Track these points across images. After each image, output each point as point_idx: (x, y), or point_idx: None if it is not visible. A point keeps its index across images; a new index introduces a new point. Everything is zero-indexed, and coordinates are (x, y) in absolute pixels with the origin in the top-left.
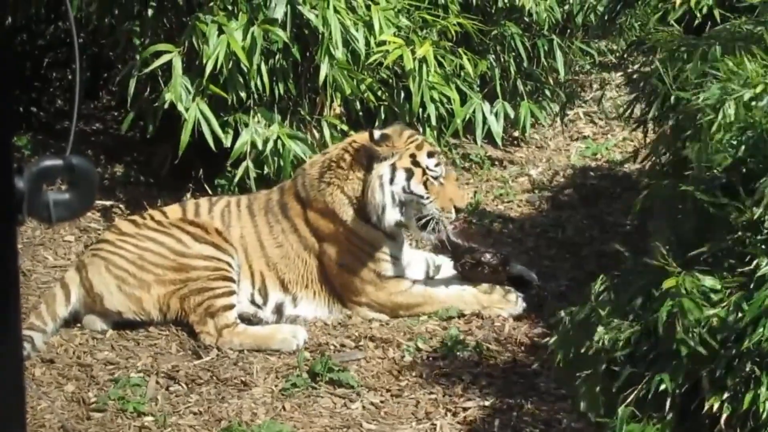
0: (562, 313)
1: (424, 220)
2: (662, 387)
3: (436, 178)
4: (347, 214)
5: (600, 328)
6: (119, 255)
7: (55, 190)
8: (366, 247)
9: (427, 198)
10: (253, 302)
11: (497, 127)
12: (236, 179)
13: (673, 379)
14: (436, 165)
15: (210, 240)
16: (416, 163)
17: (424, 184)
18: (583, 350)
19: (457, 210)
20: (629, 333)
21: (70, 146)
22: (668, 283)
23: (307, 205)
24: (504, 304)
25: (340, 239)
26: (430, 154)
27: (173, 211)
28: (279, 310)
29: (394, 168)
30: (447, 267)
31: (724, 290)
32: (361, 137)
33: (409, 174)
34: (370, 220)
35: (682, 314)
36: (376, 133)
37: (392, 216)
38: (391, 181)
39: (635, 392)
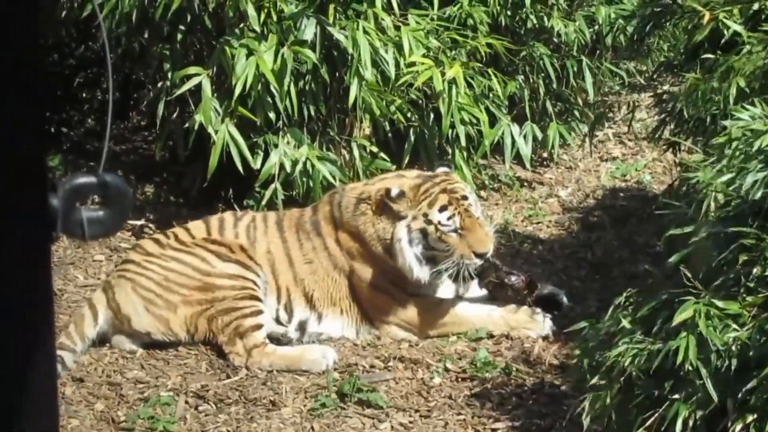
0: (584, 324)
1: (451, 270)
2: (681, 413)
3: (453, 230)
4: (376, 248)
5: (622, 343)
6: (145, 276)
7: (87, 208)
8: (396, 272)
9: (447, 250)
10: (277, 319)
11: (526, 150)
12: (264, 201)
13: (694, 402)
14: (449, 218)
15: (235, 258)
16: (429, 222)
17: (440, 239)
18: (601, 361)
19: (479, 255)
20: (651, 350)
21: (103, 164)
22: (684, 315)
23: (339, 226)
24: (531, 325)
25: (370, 262)
26: (442, 208)
27: (197, 228)
28: (302, 327)
29: (409, 230)
30: (475, 287)
31: (746, 315)
32: (387, 183)
33: (424, 233)
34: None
35: (693, 349)
36: (394, 190)
37: (422, 274)
38: (410, 242)
39: (656, 415)
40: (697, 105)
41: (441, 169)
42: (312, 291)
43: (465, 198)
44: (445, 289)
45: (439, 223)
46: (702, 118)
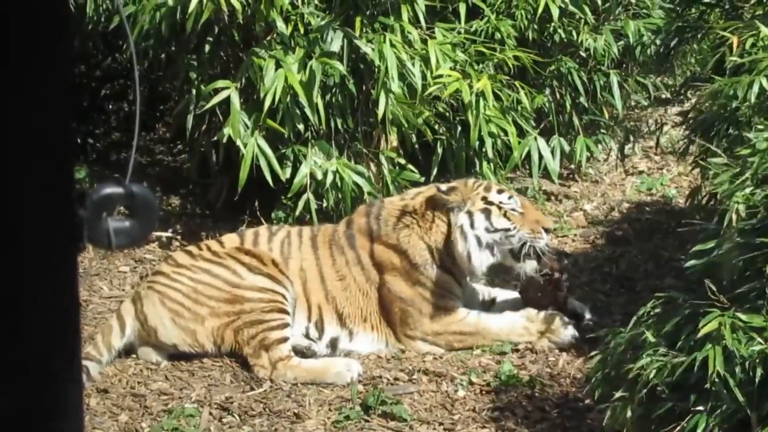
0: (606, 331)
1: (517, 250)
2: (701, 425)
3: (513, 210)
4: (422, 258)
5: (645, 356)
6: (174, 288)
7: (114, 218)
8: (431, 286)
9: (513, 228)
10: (307, 336)
11: (554, 165)
12: (297, 212)
13: (718, 415)
14: (509, 198)
15: (265, 271)
16: (489, 202)
17: (504, 215)
18: (624, 372)
19: (546, 230)
20: (674, 363)
21: (130, 174)
22: (709, 327)
23: (375, 239)
24: (555, 332)
25: (404, 275)
26: (500, 191)
27: (231, 240)
28: (333, 344)
29: (470, 214)
30: (503, 295)
31: None
32: (432, 191)
33: (487, 213)
34: (443, 264)
35: (720, 359)
36: (443, 186)
37: (481, 261)
38: (472, 225)
39: (678, 428)
40: (720, 107)
41: (462, 179)
42: (343, 308)
43: (509, 189)
44: (472, 302)
45: (500, 202)
46: (724, 124)
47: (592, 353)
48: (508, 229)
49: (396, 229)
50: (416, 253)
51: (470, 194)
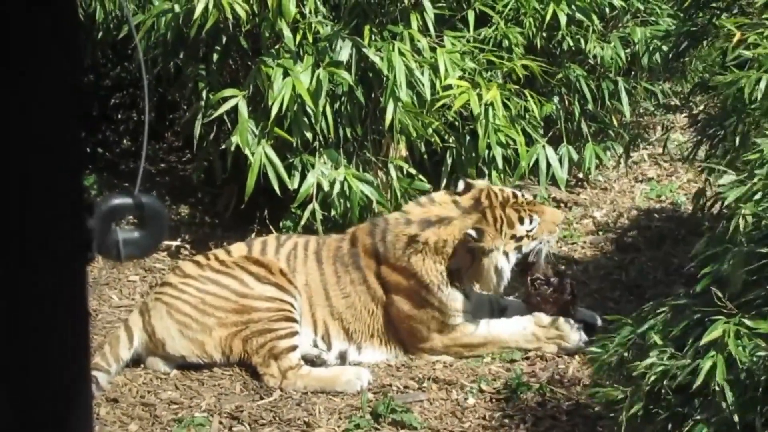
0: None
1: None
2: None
3: (536, 226)
4: (437, 279)
5: (652, 354)
6: (181, 299)
7: (123, 229)
8: (440, 305)
9: (537, 242)
10: (316, 347)
11: (561, 174)
12: (302, 221)
13: (718, 421)
14: (530, 221)
15: (273, 281)
16: (519, 239)
17: (531, 239)
18: (628, 370)
19: (557, 225)
20: (680, 365)
21: (139, 184)
22: (714, 334)
23: (382, 261)
24: (564, 336)
25: (412, 295)
26: (520, 220)
27: (238, 249)
28: (342, 356)
29: (506, 255)
30: (514, 305)
31: None
32: (448, 232)
33: (519, 249)
34: (454, 282)
35: (721, 369)
36: (472, 232)
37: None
38: (508, 263)
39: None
40: (729, 103)
41: (461, 185)
42: (349, 324)
43: (515, 195)
44: (480, 312)
45: (527, 232)
46: (732, 120)
47: (593, 338)
48: (533, 248)
49: (406, 253)
50: (429, 275)
51: (500, 233)
